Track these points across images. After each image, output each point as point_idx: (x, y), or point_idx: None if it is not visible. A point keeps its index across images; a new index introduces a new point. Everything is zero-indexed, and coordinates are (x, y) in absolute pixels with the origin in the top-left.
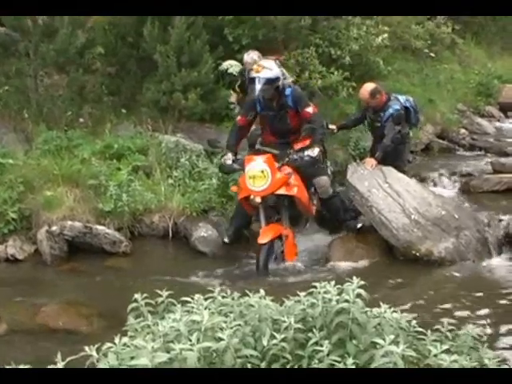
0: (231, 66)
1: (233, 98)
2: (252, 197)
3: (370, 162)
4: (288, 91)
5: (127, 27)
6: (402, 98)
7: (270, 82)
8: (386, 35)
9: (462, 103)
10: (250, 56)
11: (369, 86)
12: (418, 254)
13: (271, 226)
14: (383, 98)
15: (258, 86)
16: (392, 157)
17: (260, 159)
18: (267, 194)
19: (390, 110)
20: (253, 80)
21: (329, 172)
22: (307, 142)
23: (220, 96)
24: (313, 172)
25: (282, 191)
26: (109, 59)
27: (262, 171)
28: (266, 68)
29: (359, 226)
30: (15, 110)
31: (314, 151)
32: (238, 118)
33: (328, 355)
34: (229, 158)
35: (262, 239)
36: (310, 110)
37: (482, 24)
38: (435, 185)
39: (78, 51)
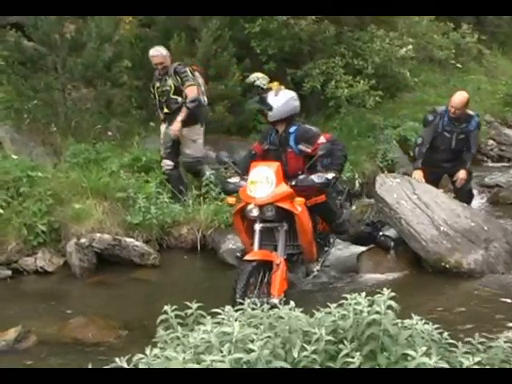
0: (258, 78)
1: None
2: (249, 207)
3: (463, 173)
4: (292, 129)
5: (154, 40)
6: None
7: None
8: (410, 46)
9: (489, 114)
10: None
11: (465, 95)
12: (447, 266)
13: (263, 251)
14: None
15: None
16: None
17: (267, 166)
18: (266, 203)
19: (476, 119)
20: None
21: (344, 210)
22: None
23: (247, 109)
24: (329, 216)
25: (283, 205)
26: (136, 72)
27: (267, 177)
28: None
29: (392, 244)
30: (43, 123)
31: (329, 175)
32: (255, 144)
33: (359, 367)
34: (235, 179)
35: (249, 256)
36: (320, 140)
37: (508, 34)
38: None
39: (105, 65)
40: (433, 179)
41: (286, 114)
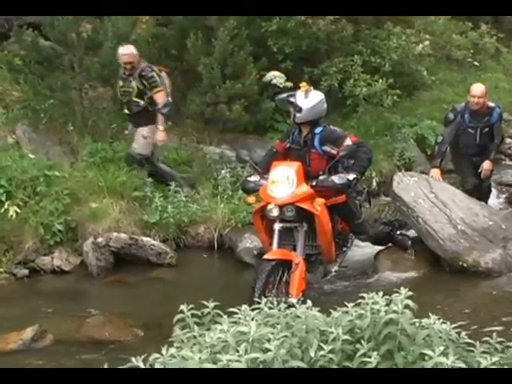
0: (275, 76)
1: None
2: (269, 207)
3: (488, 164)
4: (318, 130)
5: (171, 39)
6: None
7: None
8: (427, 43)
9: (507, 113)
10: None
11: (482, 85)
12: (464, 265)
13: (282, 250)
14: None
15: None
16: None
17: (288, 165)
18: (287, 204)
19: (498, 110)
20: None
21: (363, 211)
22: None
23: (264, 107)
24: (349, 216)
25: (303, 205)
26: None
27: (288, 177)
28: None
29: (409, 243)
30: (60, 122)
31: (350, 176)
32: (277, 142)
33: (376, 367)
34: (255, 178)
35: (268, 255)
36: (346, 142)
37: None
38: None
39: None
40: (467, 168)
41: (313, 117)
